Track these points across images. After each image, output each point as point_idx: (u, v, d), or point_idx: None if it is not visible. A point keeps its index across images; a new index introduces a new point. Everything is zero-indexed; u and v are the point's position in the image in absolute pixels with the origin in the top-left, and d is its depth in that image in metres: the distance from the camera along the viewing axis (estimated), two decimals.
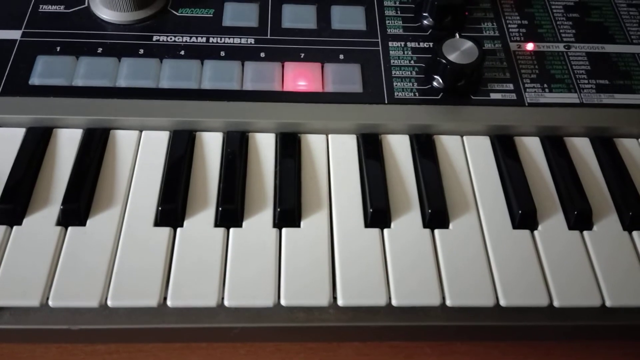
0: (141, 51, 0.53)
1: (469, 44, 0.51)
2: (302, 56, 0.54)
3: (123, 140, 0.49)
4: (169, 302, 0.41)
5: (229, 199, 0.45)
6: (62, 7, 0.55)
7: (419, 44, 0.55)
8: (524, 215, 0.45)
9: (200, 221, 0.44)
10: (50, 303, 0.40)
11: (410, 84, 0.52)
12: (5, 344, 0.45)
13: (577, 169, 0.49)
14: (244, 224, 0.45)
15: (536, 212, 0.46)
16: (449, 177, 0.48)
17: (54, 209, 0.44)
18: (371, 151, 0.49)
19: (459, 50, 0.50)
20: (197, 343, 0.46)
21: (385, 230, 0.45)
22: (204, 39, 0.54)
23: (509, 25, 0.58)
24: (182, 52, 0.53)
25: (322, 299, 0.41)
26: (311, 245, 0.44)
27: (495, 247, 0.44)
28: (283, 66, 0.53)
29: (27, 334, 0.43)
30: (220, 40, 0.54)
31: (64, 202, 0.44)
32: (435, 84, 0.52)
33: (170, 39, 0.54)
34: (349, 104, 0.51)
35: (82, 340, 0.45)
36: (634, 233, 0.46)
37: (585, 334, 0.46)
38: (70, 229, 0.43)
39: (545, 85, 0.53)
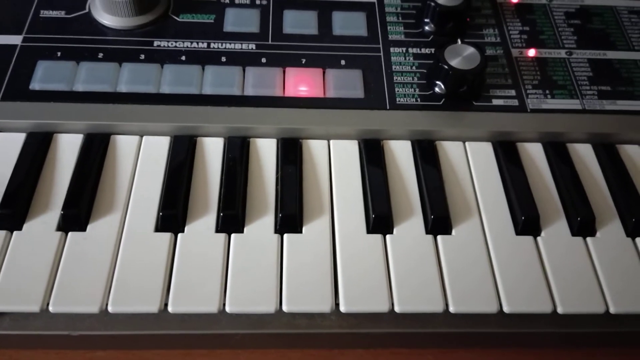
0: (142, 56, 0.53)
1: (471, 49, 0.51)
2: (303, 62, 0.54)
3: (124, 145, 0.49)
4: (170, 308, 0.40)
5: (230, 204, 0.45)
6: (63, 12, 0.55)
7: (420, 50, 0.55)
8: (527, 221, 0.45)
9: (201, 227, 0.44)
10: (50, 309, 0.40)
11: (412, 89, 0.52)
12: (4, 349, 0.45)
13: (580, 175, 0.49)
14: (245, 229, 0.44)
15: (539, 218, 0.46)
16: (451, 183, 0.48)
17: (54, 214, 0.44)
18: (373, 157, 0.49)
19: (461, 56, 0.50)
20: (198, 350, 0.46)
21: (388, 236, 0.45)
22: (205, 45, 0.54)
23: (511, 32, 0.57)
24: (183, 58, 0.53)
25: (324, 305, 0.41)
26: (313, 251, 0.43)
27: (499, 253, 0.44)
28: (284, 72, 0.53)
29: (27, 340, 0.43)
30: (222, 45, 0.54)
31: (64, 208, 0.44)
32: (437, 89, 0.52)
33: (171, 44, 0.54)
34: (351, 109, 0.51)
35: (82, 347, 0.44)
36: (637, 239, 0.46)
37: (590, 341, 0.46)
38: (70, 234, 0.43)
39: (547, 92, 0.53)
